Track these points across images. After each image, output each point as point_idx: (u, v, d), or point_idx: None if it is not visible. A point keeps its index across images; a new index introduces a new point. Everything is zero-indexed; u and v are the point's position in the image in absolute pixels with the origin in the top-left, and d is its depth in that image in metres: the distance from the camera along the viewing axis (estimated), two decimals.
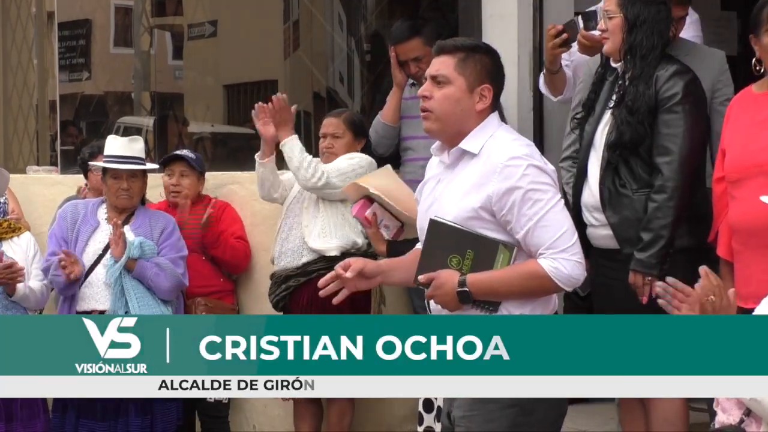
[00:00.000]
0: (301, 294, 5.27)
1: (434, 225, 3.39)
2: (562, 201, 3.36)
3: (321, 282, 3.52)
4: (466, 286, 3.33)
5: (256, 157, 5.31)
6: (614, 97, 4.37)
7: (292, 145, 5.15)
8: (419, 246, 3.59)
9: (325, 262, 5.22)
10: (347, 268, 3.46)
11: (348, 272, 3.45)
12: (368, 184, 5.06)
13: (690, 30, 5.10)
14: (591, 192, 4.41)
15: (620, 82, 4.36)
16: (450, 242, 3.37)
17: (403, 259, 3.64)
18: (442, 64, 3.43)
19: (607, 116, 4.41)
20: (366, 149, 5.45)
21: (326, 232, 5.27)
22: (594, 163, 4.42)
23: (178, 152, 5.73)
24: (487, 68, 3.43)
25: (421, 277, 3.40)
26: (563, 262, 3.29)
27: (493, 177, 3.31)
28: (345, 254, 5.17)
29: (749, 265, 4.03)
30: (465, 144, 3.41)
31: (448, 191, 3.43)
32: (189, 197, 5.55)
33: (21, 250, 5.27)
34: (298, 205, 5.36)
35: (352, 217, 5.26)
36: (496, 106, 3.48)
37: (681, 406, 4.40)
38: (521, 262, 3.36)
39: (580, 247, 3.34)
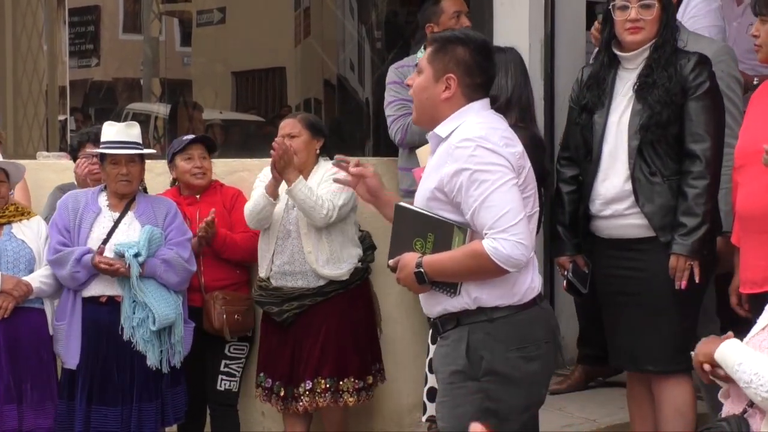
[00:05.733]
0: (316, 313, 5.28)
1: (399, 210, 3.54)
2: (512, 182, 3.38)
3: (337, 157, 3.81)
4: (422, 267, 3.43)
5: (268, 196, 5.21)
6: (634, 83, 4.34)
7: (302, 188, 5.10)
8: None
9: (339, 284, 5.30)
10: (357, 166, 3.71)
11: (354, 169, 3.70)
12: None
13: (706, 18, 5.04)
14: (610, 183, 4.38)
15: (641, 69, 4.34)
16: (413, 226, 3.49)
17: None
18: (424, 57, 3.58)
19: (623, 104, 4.38)
20: (324, 148, 5.41)
21: (335, 258, 5.26)
22: (609, 154, 4.40)
23: (191, 136, 5.70)
24: (458, 58, 3.50)
25: (390, 262, 3.53)
26: (503, 242, 3.32)
27: (447, 159, 3.41)
28: (355, 272, 5.31)
29: (748, 250, 4.07)
30: (437, 129, 3.51)
31: (424, 176, 3.56)
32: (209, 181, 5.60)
33: (32, 232, 5.26)
34: (292, 227, 5.27)
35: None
36: (473, 95, 3.52)
37: (691, 396, 4.41)
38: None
39: (525, 228, 3.37)
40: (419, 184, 3.62)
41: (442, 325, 3.52)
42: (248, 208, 5.30)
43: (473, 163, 3.35)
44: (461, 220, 3.41)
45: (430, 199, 3.45)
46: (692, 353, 3.33)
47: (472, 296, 3.43)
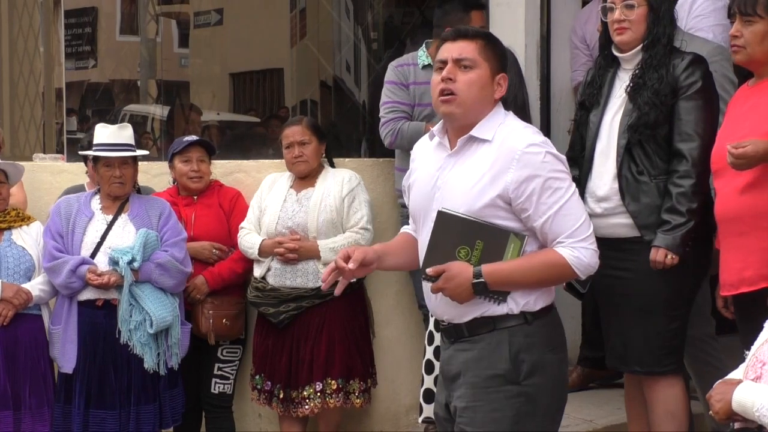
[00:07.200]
0: (313, 314, 5.29)
1: (442, 217, 3.34)
2: (577, 190, 3.37)
3: (323, 277, 3.49)
4: (482, 277, 3.29)
5: (257, 257, 5.30)
6: (627, 84, 4.35)
7: (331, 255, 5.14)
8: (405, 229, 3.63)
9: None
10: (347, 260, 3.42)
11: (350, 264, 3.41)
12: None
13: (711, 17, 5.02)
14: (601, 181, 4.39)
15: (635, 70, 4.34)
16: (458, 234, 3.32)
17: (390, 244, 3.65)
18: (464, 49, 3.38)
19: (617, 104, 4.39)
20: (327, 152, 5.42)
21: None
22: (601, 152, 4.41)
23: (193, 138, 5.68)
24: (502, 58, 3.44)
25: (429, 270, 3.33)
26: (583, 251, 3.31)
27: (511, 164, 3.28)
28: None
29: (725, 252, 4.11)
30: (477, 131, 3.37)
31: (457, 179, 3.38)
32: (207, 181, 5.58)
33: (31, 238, 5.26)
34: (299, 227, 5.27)
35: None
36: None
37: (682, 398, 4.41)
38: (533, 251, 3.35)
39: (594, 237, 3.37)
40: (442, 189, 3.41)
41: (469, 329, 3.38)
42: (242, 245, 5.36)
43: (546, 170, 3.27)
44: (518, 227, 3.32)
45: (487, 205, 3.30)
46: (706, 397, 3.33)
47: (520, 303, 3.35)
